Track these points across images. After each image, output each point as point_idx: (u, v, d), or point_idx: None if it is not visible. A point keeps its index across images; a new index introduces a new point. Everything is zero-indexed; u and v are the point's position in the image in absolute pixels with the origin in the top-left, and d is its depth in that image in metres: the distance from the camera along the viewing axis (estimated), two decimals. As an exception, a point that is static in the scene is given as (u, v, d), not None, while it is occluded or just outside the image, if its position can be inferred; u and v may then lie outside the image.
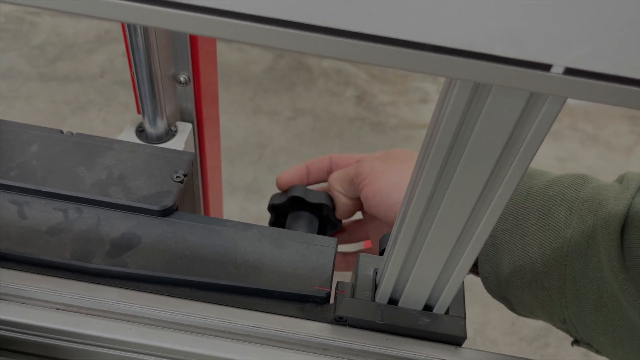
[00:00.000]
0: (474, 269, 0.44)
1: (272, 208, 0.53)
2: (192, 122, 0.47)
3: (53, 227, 0.39)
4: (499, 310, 1.23)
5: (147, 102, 0.43)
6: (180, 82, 0.45)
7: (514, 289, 0.41)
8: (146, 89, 0.42)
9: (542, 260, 0.40)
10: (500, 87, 0.24)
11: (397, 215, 0.38)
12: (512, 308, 0.44)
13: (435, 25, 0.20)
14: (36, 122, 0.41)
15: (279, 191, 0.54)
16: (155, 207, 0.40)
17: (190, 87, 0.45)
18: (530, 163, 0.27)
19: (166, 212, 0.40)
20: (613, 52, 0.21)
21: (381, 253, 0.46)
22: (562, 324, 0.41)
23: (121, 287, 0.37)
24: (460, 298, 0.38)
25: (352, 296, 0.37)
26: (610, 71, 0.21)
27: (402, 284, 0.36)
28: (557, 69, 0.21)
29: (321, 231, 0.54)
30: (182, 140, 0.46)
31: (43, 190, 0.40)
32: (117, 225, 0.39)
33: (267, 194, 1.45)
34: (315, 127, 1.62)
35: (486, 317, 1.24)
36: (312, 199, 0.51)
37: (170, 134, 0.46)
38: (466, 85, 0.24)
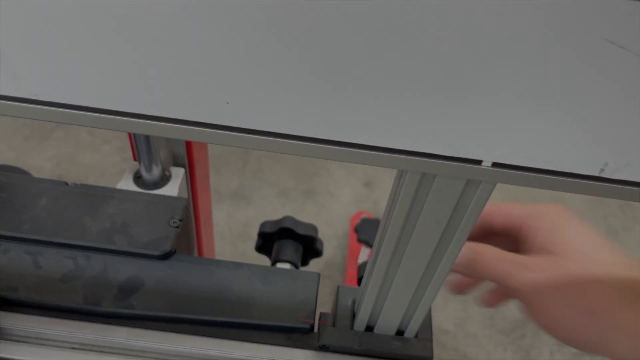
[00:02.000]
0: None
1: (262, 235, 0.58)
2: (184, 166, 0.52)
3: (65, 274, 0.43)
4: (478, 306, 1.30)
5: (144, 153, 0.47)
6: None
7: None
8: (142, 142, 0.46)
9: None
10: (443, 176, 0.29)
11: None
12: None
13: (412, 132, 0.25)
14: (23, 138, 0.44)
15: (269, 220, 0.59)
16: (156, 252, 0.45)
17: (181, 136, 0.50)
18: (469, 231, 0.32)
19: (166, 256, 0.45)
20: (526, 150, 0.26)
21: (360, 280, 0.52)
22: None
23: (129, 327, 0.42)
24: (427, 322, 0.43)
25: (333, 325, 0.43)
26: (526, 164, 0.27)
27: (377, 313, 0.41)
28: (486, 163, 0.27)
29: (304, 258, 0.59)
30: (176, 185, 0.50)
31: (54, 241, 0.44)
32: (122, 270, 0.44)
33: (253, 201, 1.50)
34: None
35: (466, 312, 1.31)
36: (301, 231, 0.56)
37: (165, 178, 0.51)
38: (415, 174, 0.29)
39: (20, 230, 0.45)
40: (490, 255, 0.38)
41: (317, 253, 0.59)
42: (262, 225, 0.59)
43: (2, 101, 0.26)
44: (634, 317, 0.33)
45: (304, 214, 1.48)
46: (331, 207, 1.50)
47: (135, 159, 0.53)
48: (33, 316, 0.42)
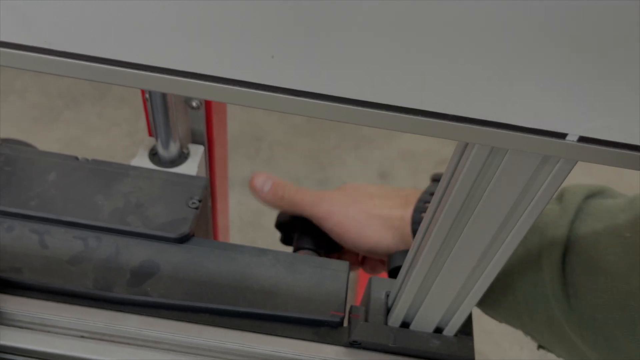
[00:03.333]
0: None
1: (278, 226, 0.55)
2: (203, 143, 0.48)
3: (74, 256, 0.40)
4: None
5: (161, 127, 0.44)
6: (192, 107, 0.46)
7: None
8: (160, 114, 0.43)
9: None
10: (516, 152, 0.25)
11: (364, 245, 0.48)
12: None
13: (476, 100, 0.21)
14: (32, 118, 0.40)
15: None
16: (173, 235, 0.41)
17: (202, 111, 0.46)
18: (537, 216, 0.28)
19: (183, 239, 0.41)
20: (619, 124, 0.22)
21: (390, 272, 0.48)
22: (525, 335, 0.43)
23: (142, 315, 0.38)
24: (468, 319, 0.39)
25: (366, 320, 0.39)
26: (617, 139, 0.23)
27: (415, 309, 0.37)
28: (571, 137, 0.23)
29: (329, 245, 0.55)
30: (195, 163, 0.47)
31: (63, 219, 0.41)
32: (136, 253, 0.40)
33: (264, 188, 1.46)
34: (311, 118, 1.63)
35: (482, 308, 1.27)
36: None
37: (182, 156, 0.47)
38: (483, 148, 0.25)
39: (27, 206, 0.41)
40: (295, 189, 0.51)
41: (339, 247, 0.55)
42: (279, 215, 0.55)
43: (9, 50, 0.22)
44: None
45: (317, 203, 1.44)
46: (345, 197, 1.46)
47: (150, 134, 0.49)
48: (38, 300, 0.38)
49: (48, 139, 1.50)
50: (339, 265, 0.42)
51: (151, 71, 0.22)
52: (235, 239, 1.35)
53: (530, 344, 1.23)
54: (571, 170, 0.26)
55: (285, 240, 0.56)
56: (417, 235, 0.34)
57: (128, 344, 0.38)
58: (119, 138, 1.53)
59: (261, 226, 1.38)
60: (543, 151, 0.24)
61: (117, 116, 1.59)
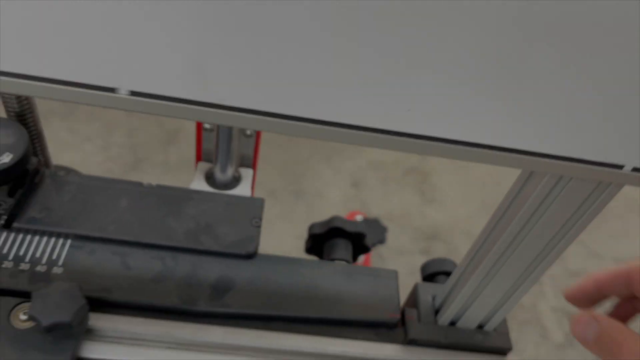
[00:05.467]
0: None
1: (312, 237, 0.60)
2: (250, 167, 0.53)
3: (156, 275, 0.43)
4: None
5: (223, 154, 0.48)
6: (246, 135, 0.50)
7: None
8: (225, 143, 0.47)
9: None
10: (579, 179, 0.32)
11: None
12: None
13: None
14: None
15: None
16: (243, 252, 0.45)
17: (253, 138, 0.51)
18: (581, 232, 0.35)
19: (251, 256, 0.46)
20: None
21: (425, 278, 0.54)
22: None
23: (225, 325, 0.43)
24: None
25: (419, 320, 0.45)
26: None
27: (464, 310, 0.43)
28: (627, 168, 0.29)
29: (354, 255, 0.60)
30: (247, 185, 0.51)
31: (141, 241, 0.44)
32: (212, 270, 0.44)
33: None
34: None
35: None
36: (350, 229, 0.58)
37: (235, 179, 0.52)
38: (553, 177, 0.32)
39: (106, 231, 0.44)
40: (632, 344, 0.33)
41: (367, 249, 0.60)
42: (312, 227, 0.60)
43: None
44: None
45: (295, 214, 1.49)
46: (321, 207, 1.51)
47: (199, 159, 0.53)
48: (127, 317, 0.42)
49: (19, 156, 1.47)
50: (388, 273, 0.48)
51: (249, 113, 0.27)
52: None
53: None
54: (618, 192, 0.33)
55: (313, 251, 0.61)
56: (471, 250, 0.40)
57: (213, 352, 0.42)
58: (92, 153, 1.53)
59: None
60: (603, 179, 0.30)
61: (89, 131, 1.58)
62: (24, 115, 0.44)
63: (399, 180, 1.65)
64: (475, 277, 0.40)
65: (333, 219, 0.59)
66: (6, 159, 0.39)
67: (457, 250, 1.51)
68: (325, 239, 0.60)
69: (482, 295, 0.42)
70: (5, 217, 0.43)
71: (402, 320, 0.45)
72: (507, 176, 1.79)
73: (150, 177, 1.53)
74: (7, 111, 0.44)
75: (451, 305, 0.43)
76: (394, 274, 0.48)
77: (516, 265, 0.38)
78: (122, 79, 0.25)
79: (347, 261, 0.58)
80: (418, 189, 1.65)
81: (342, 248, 0.59)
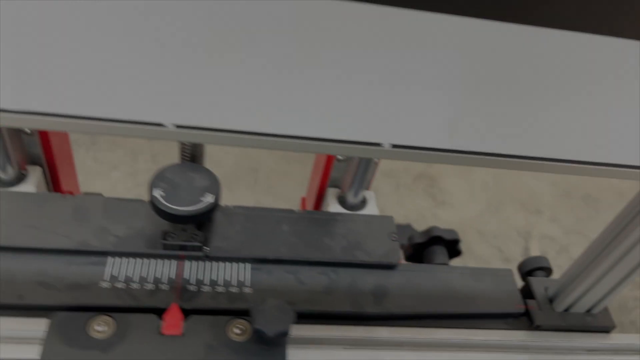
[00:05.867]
0: None
1: (413, 245, 0.68)
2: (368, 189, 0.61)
3: (325, 287, 0.51)
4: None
5: (359, 180, 0.56)
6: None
7: None
8: (362, 170, 0.55)
9: None
10: None
11: None
12: None
13: None
14: None
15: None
16: (389, 262, 0.54)
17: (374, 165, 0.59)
18: None
19: (395, 266, 0.54)
20: None
21: (525, 274, 0.63)
22: None
23: (387, 326, 0.51)
24: (605, 300, 0.56)
25: (539, 309, 0.54)
26: None
27: (579, 298, 0.53)
28: None
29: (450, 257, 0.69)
30: (374, 206, 0.60)
31: (310, 260, 0.52)
32: (367, 279, 0.53)
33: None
34: (297, 147, 1.76)
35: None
36: (448, 237, 0.67)
37: (363, 201, 0.60)
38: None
39: (279, 253, 0.52)
40: None
41: (459, 253, 0.70)
42: (411, 237, 0.69)
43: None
44: None
45: (321, 224, 1.57)
46: (344, 216, 1.60)
47: (323, 186, 0.61)
48: (308, 325, 0.50)
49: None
50: (505, 272, 0.57)
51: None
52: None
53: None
54: None
55: (413, 258, 0.70)
56: (588, 250, 0.50)
57: (382, 349, 0.50)
58: (120, 180, 1.58)
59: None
60: None
61: (114, 159, 1.63)
62: (195, 159, 0.52)
63: (410, 186, 1.75)
64: (594, 272, 0.49)
65: (432, 229, 0.68)
66: (211, 199, 0.47)
67: (471, 248, 1.62)
68: (425, 247, 0.69)
69: (596, 287, 0.51)
70: (202, 247, 0.50)
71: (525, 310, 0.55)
72: (506, 177, 1.90)
73: (179, 198, 1.58)
74: (183, 156, 0.51)
75: (569, 295, 0.53)
76: (510, 272, 0.57)
77: (630, 265, 0.48)
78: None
79: (446, 265, 0.67)
80: (428, 193, 1.75)
81: (441, 254, 0.68)
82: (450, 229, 0.69)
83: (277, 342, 0.45)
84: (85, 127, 0.31)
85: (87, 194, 0.67)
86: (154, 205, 0.46)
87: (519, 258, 1.74)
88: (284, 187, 1.65)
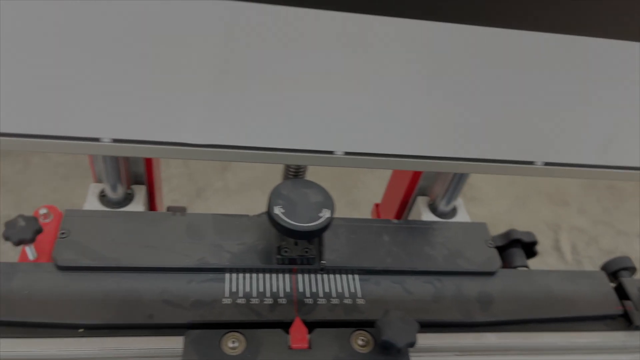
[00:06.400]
0: None
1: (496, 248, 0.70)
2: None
3: (433, 295, 0.53)
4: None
5: (452, 189, 0.58)
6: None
7: None
8: (457, 180, 0.56)
9: None
10: None
11: None
12: None
13: None
14: (60, 176, 0.50)
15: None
16: (491, 270, 0.55)
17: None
18: None
19: (495, 272, 0.55)
20: None
21: (610, 274, 0.64)
22: None
23: (494, 332, 0.52)
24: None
25: (637, 310, 0.55)
26: None
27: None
28: None
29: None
30: (466, 213, 0.61)
31: (413, 269, 0.53)
32: (471, 287, 0.54)
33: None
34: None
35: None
36: (527, 239, 0.68)
37: (454, 209, 0.61)
38: None
39: (385, 264, 0.53)
40: None
41: (535, 254, 0.71)
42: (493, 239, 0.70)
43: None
44: None
45: (356, 224, 1.58)
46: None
47: (409, 195, 0.62)
48: (423, 334, 0.51)
49: (86, 194, 1.52)
50: (598, 274, 0.58)
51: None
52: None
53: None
54: None
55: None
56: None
57: (491, 354, 0.52)
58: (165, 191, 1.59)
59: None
60: None
61: (146, 164, 1.63)
62: (298, 175, 0.53)
63: (440, 183, 1.77)
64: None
65: (511, 232, 0.69)
66: (328, 213, 0.48)
67: (504, 243, 1.63)
68: (504, 250, 0.70)
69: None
70: (316, 261, 0.51)
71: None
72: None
73: (214, 203, 1.60)
74: (287, 173, 0.52)
75: (666, 297, 0.54)
76: (603, 274, 0.58)
77: None
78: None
79: (526, 267, 0.69)
80: (457, 190, 1.77)
81: (520, 256, 0.69)
82: (528, 231, 0.70)
83: (401, 352, 0.46)
84: (20, 145, 0.31)
85: (170, 208, 0.68)
86: (274, 221, 0.47)
87: (550, 251, 1.76)
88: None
